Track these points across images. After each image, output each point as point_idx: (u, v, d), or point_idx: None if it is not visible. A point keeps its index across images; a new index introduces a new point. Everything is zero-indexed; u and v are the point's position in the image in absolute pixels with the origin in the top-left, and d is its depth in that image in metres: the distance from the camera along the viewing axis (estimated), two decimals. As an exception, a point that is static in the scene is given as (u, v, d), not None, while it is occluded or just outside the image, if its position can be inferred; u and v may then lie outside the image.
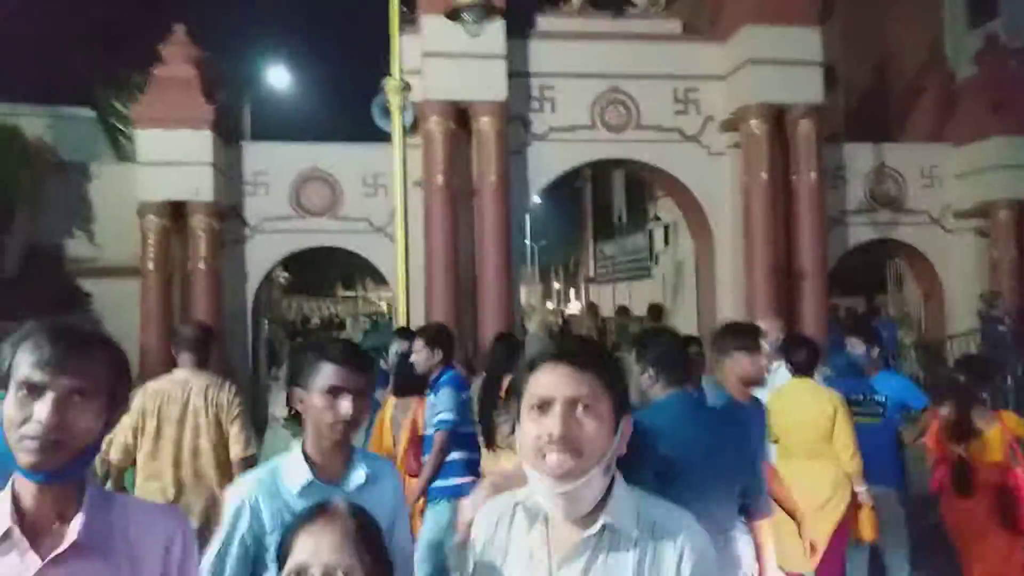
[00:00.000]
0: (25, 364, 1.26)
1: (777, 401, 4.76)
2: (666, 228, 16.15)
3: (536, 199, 21.03)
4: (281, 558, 1.41)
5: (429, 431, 4.83)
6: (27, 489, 1.30)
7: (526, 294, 26.09)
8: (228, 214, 11.92)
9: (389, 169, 11.74)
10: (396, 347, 5.88)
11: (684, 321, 13.55)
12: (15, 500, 1.30)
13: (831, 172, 12.80)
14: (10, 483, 1.31)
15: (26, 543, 1.27)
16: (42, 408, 1.25)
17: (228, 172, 12.01)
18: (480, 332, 10.99)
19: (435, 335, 5.03)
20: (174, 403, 4.13)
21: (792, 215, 11.94)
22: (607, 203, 22.65)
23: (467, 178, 11.46)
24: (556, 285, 42.84)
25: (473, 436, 4.79)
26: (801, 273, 11.80)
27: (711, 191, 12.49)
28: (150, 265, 11.35)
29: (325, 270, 26.12)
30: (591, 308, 20.56)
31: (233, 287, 12.00)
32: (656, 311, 14.36)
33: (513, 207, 11.67)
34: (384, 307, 20.01)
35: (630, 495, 1.49)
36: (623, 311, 17.29)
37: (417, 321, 10.63)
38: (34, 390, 1.26)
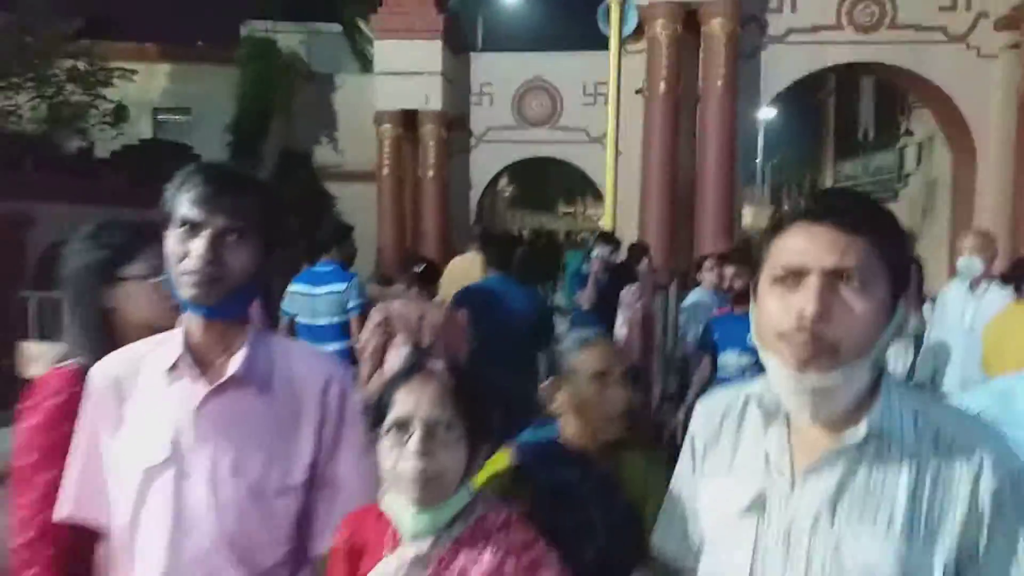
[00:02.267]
0: (184, 203, 1.34)
1: (994, 331, 3.72)
2: (919, 145, 14.46)
3: (769, 113, 19.66)
4: (378, 415, 1.35)
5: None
6: (195, 324, 1.40)
7: (752, 215, 24.75)
8: (455, 124, 12.37)
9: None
10: (598, 252, 5.78)
11: (931, 247, 12.14)
12: (186, 335, 1.41)
13: None
14: (182, 320, 1.42)
15: (197, 371, 1.39)
16: (199, 244, 1.32)
17: (456, 82, 12.38)
18: (697, 251, 10.59)
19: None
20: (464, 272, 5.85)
21: (1080, 128, 10.23)
22: (852, 117, 20.61)
23: (692, 86, 10.91)
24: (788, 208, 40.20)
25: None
26: (1086, 197, 10.17)
27: (977, 100, 11.07)
28: (385, 171, 12.18)
29: (548, 186, 26.45)
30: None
31: (458, 195, 12.59)
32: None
33: (741, 117, 11.02)
34: (602, 224, 19.86)
35: (906, 395, 1.15)
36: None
37: (628, 234, 10.49)
38: (192, 227, 1.33)
